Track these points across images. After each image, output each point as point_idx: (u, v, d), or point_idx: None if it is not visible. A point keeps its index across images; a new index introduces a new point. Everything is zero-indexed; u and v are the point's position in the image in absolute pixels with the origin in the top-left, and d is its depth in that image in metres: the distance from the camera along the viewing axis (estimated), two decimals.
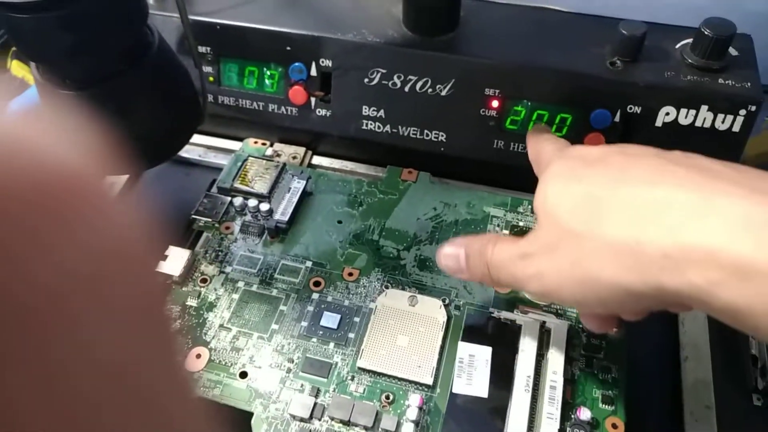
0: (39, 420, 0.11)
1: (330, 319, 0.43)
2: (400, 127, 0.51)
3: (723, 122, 0.44)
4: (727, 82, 0.43)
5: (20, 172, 0.11)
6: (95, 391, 0.12)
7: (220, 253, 0.47)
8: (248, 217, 0.49)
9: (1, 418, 0.10)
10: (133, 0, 0.39)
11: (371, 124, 0.51)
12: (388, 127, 0.51)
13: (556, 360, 0.41)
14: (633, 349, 0.42)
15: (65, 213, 0.12)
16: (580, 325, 0.43)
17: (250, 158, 0.52)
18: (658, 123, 0.45)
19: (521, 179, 0.51)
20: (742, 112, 0.43)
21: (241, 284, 0.45)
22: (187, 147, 0.56)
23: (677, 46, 0.45)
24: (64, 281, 0.11)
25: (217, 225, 0.48)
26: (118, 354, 0.13)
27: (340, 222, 0.49)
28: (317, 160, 0.55)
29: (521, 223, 0.48)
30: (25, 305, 0.11)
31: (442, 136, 0.50)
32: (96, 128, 0.14)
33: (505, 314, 0.43)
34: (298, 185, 0.50)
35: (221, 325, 0.43)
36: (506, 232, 0.48)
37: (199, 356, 0.42)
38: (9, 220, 0.10)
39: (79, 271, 0.12)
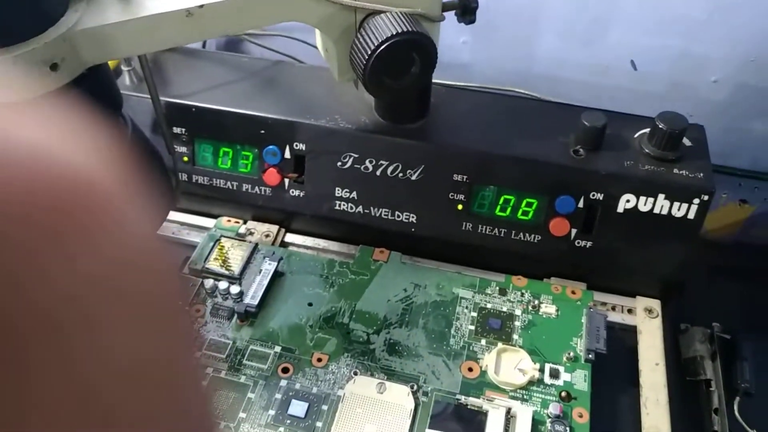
0: (62, 419, 0.12)
1: (298, 408, 0.44)
2: (372, 208, 0.53)
3: (679, 210, 0.46)
4: (681, 172, 0.46)
5: (43, 180, 0.11)
6: (116, 391, 0.13)
7: None
8: (219, 299, 0.50)
9: (28, 419, 0.11)
10: (105, 95, 0.41)
11: (344, 205, 0.53)
12: (360, 208, 0.53)
13: None
14: None
15: (86, 221, 0.12)
16: (545, 410, 0.44)
17: (223, 238, 0.54)
18: (620, 209, 0.48)
19: (489, 259, 0.53)
20: (696, 200, 0.45)
21: (209, 370, 0.46)
22: (162, 224, 0.57)
23: (635, 136, 0.48)
24: (85, 287, 0.12)
25: (187, 308, 0.49)
26: (137, 355, 0.13)
27: (310, 304, 0.50)
28: (290, 237, 0.57)
29: (489, 305, 0.50)
30: (47, 310, 0.11)
31: (413, 217, 0.52)
32: (115, 142, 0.15)
33: (472, 400, 0.44)
34: (269, 267, 0.51)
35: None
36: (474, 314, 0.49)
37: None
38: (33, 227, 0.11)
39: (100, 277, 0.12)
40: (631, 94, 0.55)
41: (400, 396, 0.44)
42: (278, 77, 0.55)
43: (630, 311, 0.52)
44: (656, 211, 0.47)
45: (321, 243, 0.56)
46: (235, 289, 0.49)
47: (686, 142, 0.46)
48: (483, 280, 0.52)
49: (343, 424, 0.43)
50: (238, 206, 0.56)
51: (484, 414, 0.44)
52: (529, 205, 0.50)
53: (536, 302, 0.50)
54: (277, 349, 0.47)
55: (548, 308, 0.50)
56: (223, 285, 0.50)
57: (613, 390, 0.47)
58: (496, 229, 0.51)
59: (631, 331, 0.51)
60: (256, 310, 0.49)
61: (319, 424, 0.43)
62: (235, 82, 0.55)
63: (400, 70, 0.42)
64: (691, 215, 0.46)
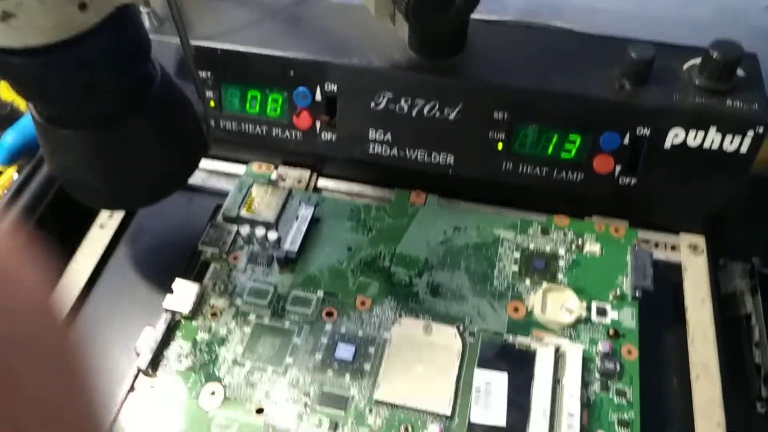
0: None
1: (345, 351, 0.45)
2: (407, 149, 0.52)
3: (731, 143, 0.46)
4: (735, 103, 0.45)
5: None
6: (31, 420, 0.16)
7: (229, 285, 0.48)
8: (256, 247, 0.50)
9: None
10: (135, 39, 0.40)
11: (378, 147, 0.53)
12: (395, 150, 0.52)
13: (572, 385, 0.42)
14: (646, 371, 0.44)
15: None
16: (594, 348, 0.44)
17: (255, 184, 0.53)
18: (667, 144, 0.47)
19: (529, 200, 0.53)
20: (750, 133, 0.45)
21: (252, 317, 0.47)
22: None
23: (685, 68, 0.47)
24: None
25: (224, 256, 0.50)
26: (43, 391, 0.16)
27: (350, 249, 0.50)
28: (323, 182, 0.57)
29: (531, 246, 0.50)
30: None
31: (450, 158, 0.52)
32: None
33: (520, 340, 0.45)
34: (306, 213, 0.51)
35: (234, 360, 0.45)
36: (517, 254, 0.50)
37: (213, 393, 0.43)
38: None
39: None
40: (673, 23, 0.54)
41: (447, 337, 0.45)
42: (305, 16, 0.54)
43: (674, 248, 0.52)
44: (706, 145, 0.46)
45: (355, 187, 0.56)
46: (273, 236, 0.49)
47: (739, 72, 0.46)
48: (524, 220, 0.52)
49: (392, 366, 0.43)
50: (268, 152, 0.56)
51: (533, 353, 0.44)
52: (571, 142, 0.49)
53: (579, 241, 0.50)
54: (320, 294, 0.48)
55: (592, 247, 0.50)
56: (260, 232, 0.50)
57: (660, 327, 0.48)
58: (538, 168, 0.51)
59: (676, 268, 0.51)
60: (296, 256, 0.49)
61: (367, 366, 0.44)
62: (260, 22, 0.54)
63: (445, 1, 0.41)
64: (743, 149, 0.45)
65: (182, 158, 0.47)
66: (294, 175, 0.56)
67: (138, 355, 0.44)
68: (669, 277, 0.50)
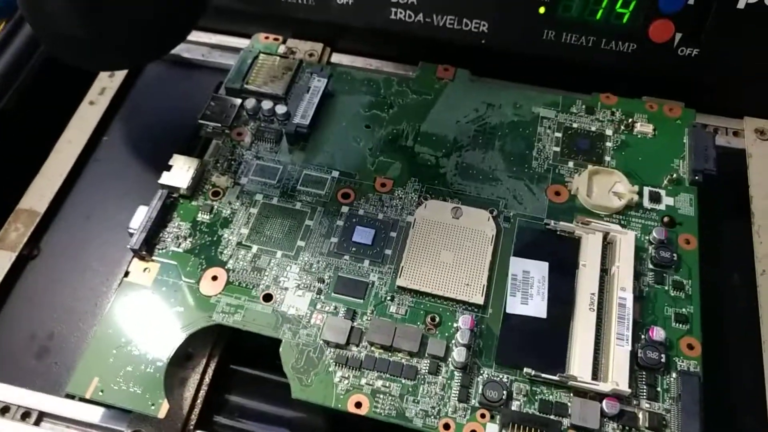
0: None
1: (363, 234, 0.40)
2: (434, 15, 0.46)
3: None
4: None
5: None
6: None
7: (233, 162, 0.43)
8: (263, 122, 0.45)
9: None
10: None
11: (401, 13, 0.46)
12: (420, 16, 0.46)
13: (623, 275, 0.37)
14: (707, 263, 0.39)
15: None
16: (647, 236, 0.39)
17: (262, 55, 0.47)
18: (740, 4, 0.41)
19: (573, 77, 0.47)
20: None
21: (259, 197, 0.42)
22: (188, 46, 0.51)
23: None
24: None
25: (227, 131, 0.44)
26: None
27: (368, 126, 0.45)
28: (337, 57, 0.51)
29: (575, 125, 0.44)
30: None
31: (484, 25, 0.46)
32: None
33: (562, 225, 0.40)
34: (318, 84, 0.45)
35: (240, 243, 0.40)
36: (559, 134, 0.44)
37: (215, 278, 0.38)
38: None
39: None
40: None
41: (479, 221, 0.40)
42: None
43: (736, 134, 0.47)
44: None
45: (373, 63, 0.50)
46: (281, 109, 0.44)
47: None
48: (567, 97, 0.46)
49: (415, 252, 0.39)
50: (276, 21, 0.50)
51: (577, 240, 0.39)
52: (626, 4, 0.43)
53: (629, 121, 0.44)
54: (335, 174, 0.42)
55: (644, 127, 0.44)
56: (267, 105, 0.44)
57: (722, 217, 0.43)
58: (584, 38, 0.44)
59: (739, 155, 0.45)
60: (307, 131, 0.43)
61: (388, 251, 0.39)
62: None
63: None
64: None
65: (179, 6, 0.40)
66: (305, 49, 0.50)
67: (131, 236, 0.39)
68: (731, 165, 0.45)
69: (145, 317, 0.37)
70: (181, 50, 0.51)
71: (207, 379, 0.37)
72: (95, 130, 0.48)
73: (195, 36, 0.50)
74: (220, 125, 0.44)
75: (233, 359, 0.39)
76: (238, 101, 0.45)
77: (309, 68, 0.47)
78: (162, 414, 0.34)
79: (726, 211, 0.43)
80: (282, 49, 0.50)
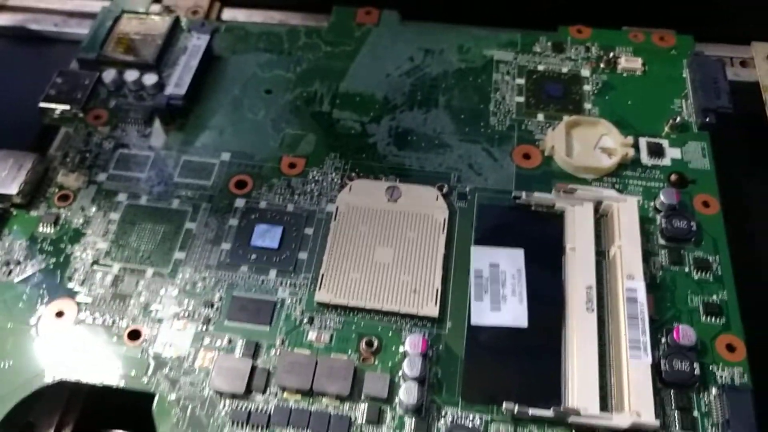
0: None
1: (266, 235, 0.29)
2: None
3: None
4: None
5: None
6: None
7: (87, 155, 0.32)
8: (128, 98, 0.33)
9: None
10: None
11: None
12: None
13: (628, 258, 0.27)
14: (735, 229, 0.29)
15: None
16: (653, 203, 0.29)
17: (126, 15, 0.36)
18: None
19: (531, 8, 0.37)
20: None
21: (122, 197, 0.31)
22: (36, 16, 0.40)
23: None
24: None
25: (80, 114, 0.33)
26: None
27: (269, 92, 0.34)
28: (230, 14, 0.40)
29: (540, 67, 0.34)
30: None
31: None
32: None
33: (537, 197, 0.29)
34: (198, 43, 0.34)
35: (96, 262, 0.29)
36: (521, 81, 0.33)
37: (60, 314, 0.27)
38: None
39: None
40: None
41: (425, 202, 0.29)
42: None
43: (744, 64, 0.37)
44: None
45: (276, 15, 0.40)
46: (150, 79, 0.33)
47: None
48: (527, 35, 0.36)
49: (340, 253, 0.28)
50: None
51: (559, 215, 0.29)
52: None
53: (610, 56, 0.34)
54: (225, 156, 0.32)
55: (630, 63, 0.34)
56: (131, 76, 0.33)
57: (743, 167, 0.33)
58: None
59: (750, 90, 0.35)
60: (182, 103, 0.32)
61: (302, 255, 0.28)
62: None
63: None
64: None
65: None
66: (186, 5, 0.39)
67: None
68: (743, 103, 0.35)
69: None
70: (27, 21, 0.39)
71: None
72: None
73: (46, 2, 0.39)
74: (69, 107, 0.33)
75: (97, 423, 0.27)
76: (95, 75, 0.34)
77: (187, 25, 0.36)
78: None
79: (748, 158, 0.33)
80: (156, 7, 0.38)
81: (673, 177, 0.30)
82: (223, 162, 0.31)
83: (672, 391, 0.25)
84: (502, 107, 0.33)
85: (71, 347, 0.27)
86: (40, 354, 0.27)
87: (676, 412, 0.25)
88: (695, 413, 0.25)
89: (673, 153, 0.31)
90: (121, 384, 0.26)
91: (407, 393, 0.24)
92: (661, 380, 0.25)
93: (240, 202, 0.30)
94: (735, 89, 0.36)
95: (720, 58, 0.37)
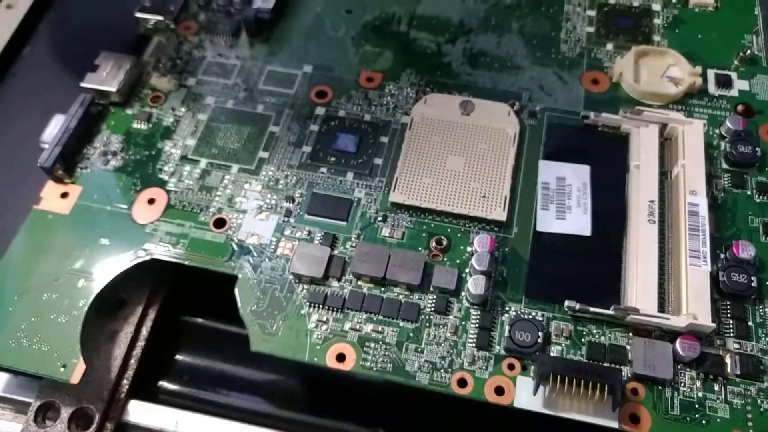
0: None
1: (345, 141, 0.30)
2: None
3: None
4: None
5: None
6: None
7: (178, 61, 0.34)
8: (216, 12, 0.35)
9: None
10: None
11: None
12: None
13: (692, 175, 0.28)
14: None
15: None
16: (718, 131, 0.30)
17: None
18: None
19: None
20: None
21: (210, 100, 0.32)
22: None
23: None
24: None
25: (172, 25, 0.35)
26: None
27: (349, 12, 0.35)
28: None
29: (612, 1, 0.35)
30: None
31: None
32: None
33: (605, 118, 0.30)
34: None
35: (184, 157, 0.30)
36: (592, 13, 0.34)
37: (152, 201, 0.29)
38: None
39: None
40: None
41: (496, 117, 0.30)
42: None
43: None
44: None
45: None
46: None
47: None
48: None
49: (414, 159, 0.29)
50: None
51: (624, 136, 0.30)
52: None
53: None
54: (307, 68, 0.33)
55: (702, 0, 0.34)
56: None
57: None
58: None
59: None
60: (270, 16, 0.34)
61: (378, 160, 0.30)
62: None
63: None
64: None
65: None
66: None
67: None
68: None
69: (60, 254, 0.28)
70: None
71: (144, 333, 0.29)
72: (12, 38, 0.38)
73: None
74: (163, 18, 0.35)
75: (179, 307, 0.30)
76: None
77: None
78: (75, 379, 0.25)
79: None
80: None
81: (739, 107, 0.31)
82: (305, 73, 0.33)
83: (729, 302, 0.26)
84: (573, 36, 0.34)
85: (161, 231, 0.29)
86: (134, 235, 0.29)
87: (732, 321, 0.26)
88: (750, 323, 0.26)
89: (741, 85, 0.32)
90: (207, 266, 0.28)
91: (475, 284, 0.26)
92: (718, 291, 0.26)
93: (320, 110, 0.32)
94: None
95: None
